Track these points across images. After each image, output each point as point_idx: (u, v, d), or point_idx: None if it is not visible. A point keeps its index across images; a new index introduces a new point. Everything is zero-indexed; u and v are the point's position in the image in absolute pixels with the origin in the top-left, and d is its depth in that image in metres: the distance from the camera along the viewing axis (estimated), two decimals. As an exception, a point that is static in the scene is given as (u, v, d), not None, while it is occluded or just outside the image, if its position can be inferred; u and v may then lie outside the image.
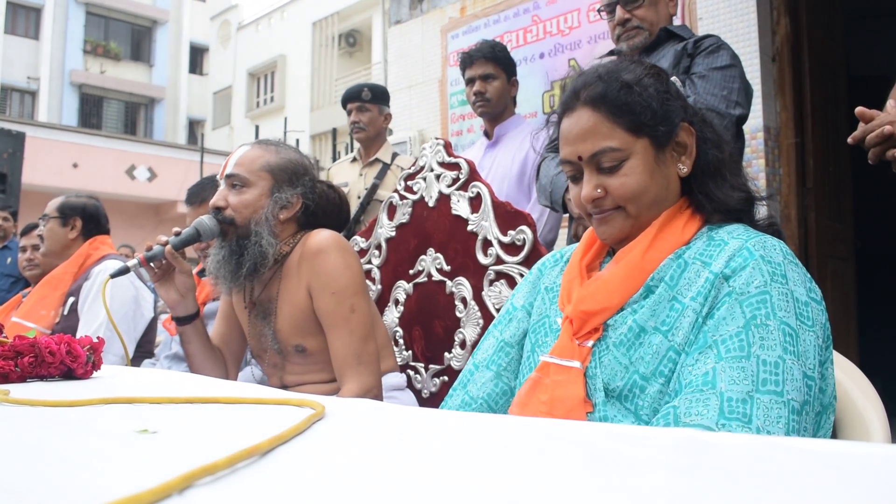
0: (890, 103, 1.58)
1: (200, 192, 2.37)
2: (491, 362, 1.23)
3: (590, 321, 1.05)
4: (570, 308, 1.09)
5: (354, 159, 3.48)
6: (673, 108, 1.07)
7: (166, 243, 1.69)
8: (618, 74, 1.07)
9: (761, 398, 0.87)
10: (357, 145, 3.48)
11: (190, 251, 2.40)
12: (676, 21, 2.23)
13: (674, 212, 1.08)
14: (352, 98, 3.33)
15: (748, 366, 0.89)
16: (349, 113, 3.36)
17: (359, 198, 3.27)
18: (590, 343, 1.05)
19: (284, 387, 1.74)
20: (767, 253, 0.96)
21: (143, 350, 2.71)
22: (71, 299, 2.65)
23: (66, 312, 2.64)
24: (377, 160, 3.35)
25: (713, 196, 1.07)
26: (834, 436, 1.06)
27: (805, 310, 0.94)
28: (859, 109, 1.56)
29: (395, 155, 3.41)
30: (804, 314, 0.94)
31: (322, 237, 1.68)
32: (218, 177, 1.77)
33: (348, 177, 3.43)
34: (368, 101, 3.31)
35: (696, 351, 0.94)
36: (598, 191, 1.06)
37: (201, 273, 2.37)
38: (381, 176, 3.28)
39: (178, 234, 1.70)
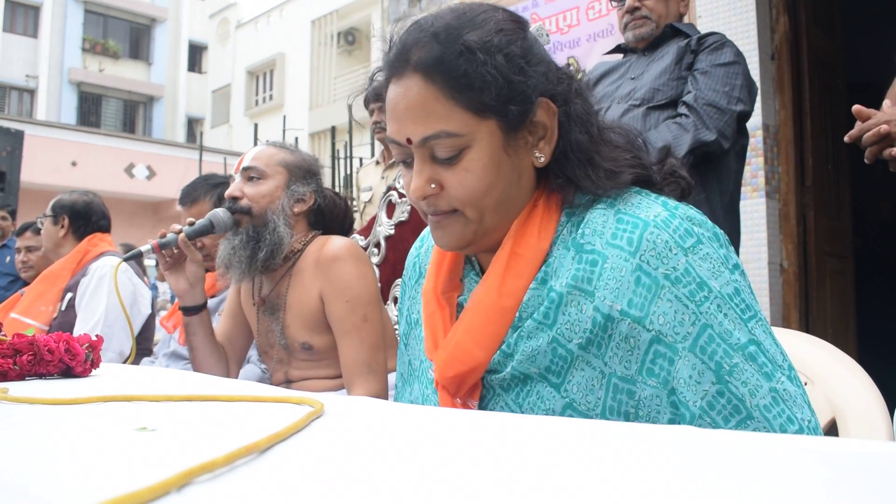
0: (886, 103, 1.59)
1: (193, 192, 2.37)
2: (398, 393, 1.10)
3: (465, 382, 0.87)
4: (436, 373, 0.90)
5: (378, 162, 3.44)
6: (530, 80, 0.84)
7: (180, 231, 1.71)
8: (458, 33, 0.82)
9: None
10: (365, 144, 3.45)
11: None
12: (676, 20, 2.23)
13: (525, 216, 0.88)
14: (377, 98, 3.27)
15: (757, 424, 0.76)
16: (371, 113, 3.30)
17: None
18: (474, 404, 0.88)
19: (289, 381, 1.76)
20: (666, 265, 0.78)
21: (141, 348, 2.71)
22: (68, 295, 2.66)
23: (63, 308, 2.65)
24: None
25: (581, 185, 0.86)
26: (836, 434, 1.06)
27: (737, 303, 0.79)
28: (856, 108, 1.56)
29: None
30: (742, 311, 0.79)
31: (338, 245, 1.71)
32: (233, 171, 1.81)
33: (372, 180, 3.39)
34: None
35: (690, 423, 0.77)
36: (432, 186, 0.85)
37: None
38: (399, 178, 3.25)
39: (192, 224, 1.72)
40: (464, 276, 0.96)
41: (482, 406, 0.89)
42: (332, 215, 1.86)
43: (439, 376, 0.89)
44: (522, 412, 0.84)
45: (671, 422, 0.78)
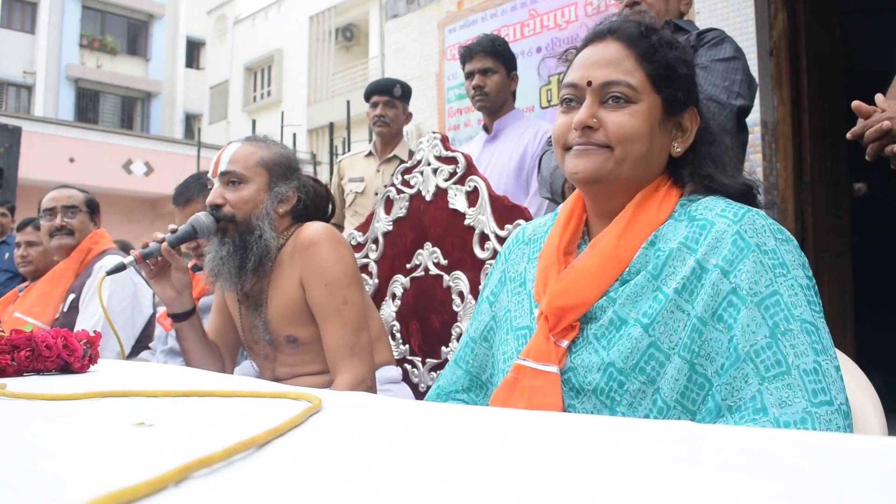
0: (879, 97, 1.58)
1: (185, 192, 2.36)
2: (460, 359, 1.22)
3: (565, 317, 1.00)
4: (544, 303, 1.03)
5: (370, 153, 3.44)
6: (692, 86, 1.05)
7: (163, 240, 1.69)
8: (659, 30, 1.04)
9: (818, 412, 0.83)
10: (363, 140, 3.45)
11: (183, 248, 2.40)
12: (672, 16, 2.23)
13: (651, 190, 1.03)
14: (381, 91, 3.28)
15: (793, 381, 0.85)
16: (374, 105, 3.30)
17: (376, 194, 3.25)
18: (565, 343, 1.00)
19: (277, 380, 1.74)
20: (760, 238, 0.92)
21: (141, 346, 2.71)
22: (71, 296, 2.65)
23: (65, 309, 2.64)
24: (395, 157, 3.33)
25: (716, 180, 1.03)
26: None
27: (810, 294, 0.91)
28: (856, 104, 1.55)
29: (411, 152, 3.39)
30: (812, 300, 0.91)
31: (314, 229, 1.69)
32: (210, 175, 1.77)
33: (364, 172, 3.39)
34: (398, 97, 3.28)
35: (731, 366, 0.88)
36: (594, 120, 1.00)
37: (195, 268, 2.37)
38: None
39: (174, 231, 1.70)
40: (580, 242, 1.10)
41: (573, 350, 1.00)
42: (314, 205, 1.83)
43: (546, 306, 1.02)
44: (609, 353, 0.96)
45: (723, 365, 0.90)
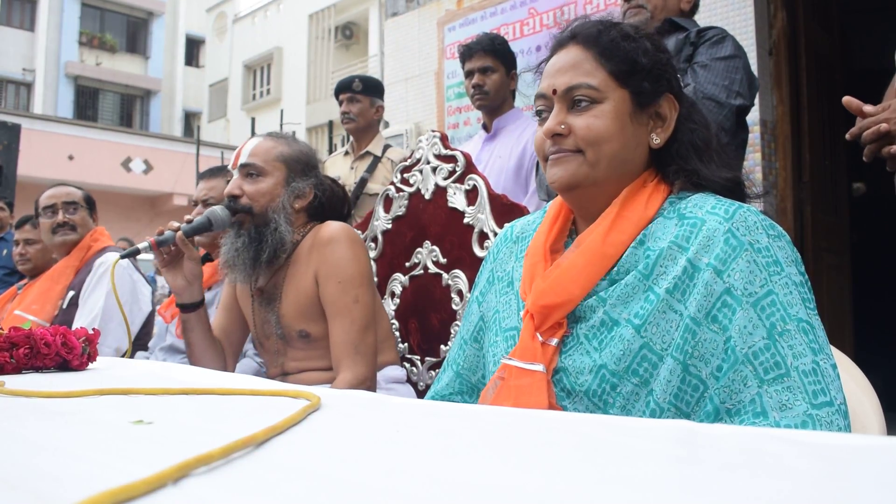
0: (886, 103, 1.58)
1: (213, 170, 2.49)
2: (453, 361, 1.21)
3: (551, 315, 0.99)
4: (530, 300, 1.02)
5: (347, 152, 3.48)
6: (662, 73, 1.03)
7: (178, 229, 1.71)
8: (619, 25, 1.04)
9: (819, 414, 0.82)
10: (351, 138, 3.49)
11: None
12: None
13: (637, 186, 1.02)
14: (343, 89, 3.34)
15: (792, 383, 0.84)
16: (340, 103, 3.36)
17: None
18: (554, 341, 0.98)
19: (285, 373, 1.75)
20: (753, 236, 0.91)
21: (140, 344, 2.71)
22: (71, 293, 2.65)
23: (65, 306, 2.64)
24: (368, 153, 3.35)
25: (699, 172, 1.01)
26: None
27: (804, 291, 0.90)
28: (846, 99, 1.55)
29: (386, 147, 3.40)
30: (806, 297, 0.90)
31: (334, 227, 1.72)
32: (230, 167, 1.79)
33: (340, 170, 3.42)
34: (359, 92, 3.31)
35: (729, 369, 0.87)
36: (562, 127, 1.00)
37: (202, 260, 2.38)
38: (370, 170, 3.28)
39: (189, 221, 1.72)
40: (567, 241, 1.10)
41: (564, 350, 0.98)
42: (331, 205, 1.86)
43: (532, 304, 1.01)
44: (601, 355, 0.94)
45: (719, 367, 0.88)
